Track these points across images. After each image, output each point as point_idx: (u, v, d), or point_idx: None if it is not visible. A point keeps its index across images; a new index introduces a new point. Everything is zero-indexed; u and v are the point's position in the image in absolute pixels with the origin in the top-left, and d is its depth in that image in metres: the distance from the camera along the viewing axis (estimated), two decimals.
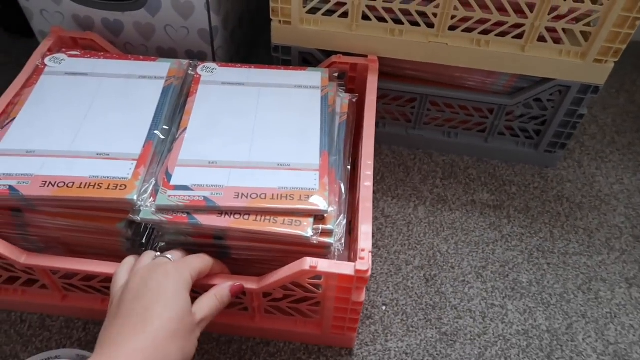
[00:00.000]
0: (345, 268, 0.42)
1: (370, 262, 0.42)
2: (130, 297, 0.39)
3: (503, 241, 0.63)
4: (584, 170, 0.73)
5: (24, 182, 0.45)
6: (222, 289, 0.44)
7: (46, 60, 0.58)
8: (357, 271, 0.42)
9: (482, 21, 0.58)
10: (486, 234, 0.64)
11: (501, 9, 0.57)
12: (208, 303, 0.42)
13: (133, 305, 0.38)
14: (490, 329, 0.55)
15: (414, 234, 0.64)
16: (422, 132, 0.73)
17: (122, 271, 0.43)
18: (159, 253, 0.45)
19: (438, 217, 0.66)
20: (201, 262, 0.44)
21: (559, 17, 0.56)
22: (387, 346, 0.53)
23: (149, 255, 0.44)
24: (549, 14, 0.56)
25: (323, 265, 0.42)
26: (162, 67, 0.58)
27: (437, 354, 0.53)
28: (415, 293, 0.58)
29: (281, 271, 0.44)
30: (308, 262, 0.42)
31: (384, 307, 0.56)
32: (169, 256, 0.44)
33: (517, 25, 0.58)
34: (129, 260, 0.45)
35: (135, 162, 0.48)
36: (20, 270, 0.49)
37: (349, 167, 0.53)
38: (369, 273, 0.42)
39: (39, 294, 0.52)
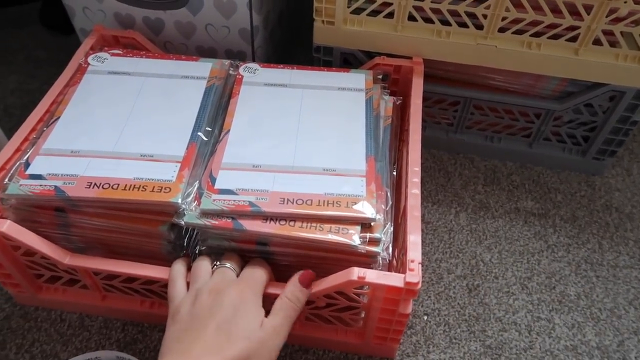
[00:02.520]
0: (394, 280, 0.41)
1: (421, 274, 0.41)
2: (204, 314, 0.39)
3: (549, 251, 0.61)
4: (634, 179, 0.69)
5: (69, 183, 0.45)
6: (291, 288, 0.42)
7: (89, 59, 0.58)
8: (407, 283, 0.40)
9: (534, 23, 0.56)
10: (531, 244, 0.62)
11: (555, 11, 0.54)
12: (281, 308, 0.41)
13: (207, 322, 0.38)
14: (537, 344, 0.53)
15: (456, 241, 0.62)
16: (463, 136, 0.70)
17: (178, 280, 0.43)
18: (217, 262, 0.44)
19: (480, 225, 0.64)
20: (265, 274, 0.44)
21: (617, 20, 0.54)
22: (429, 358, 0.52)
23: (206, 264, 0.44)
24: (606, 16, 0.53)
25: (371, 276, 0.41)
26: (204, 67, 0.57)
27: None
28: (458, 303, 0.56)
29: (327, 280, 0.43)
30: (356, 273, 0.41)
31: (425, 317, 0.55)
32: (228, 264, 0.43)
33: (572, 28, 0.55)
34: (180, 268, 0.45)
35: (179, 165, 0.47)
36: (62, 270, 0.49)
37: (394, 173, 0.52)
38: (419, 285, 0.40)
39: (79, 294, 0.52)
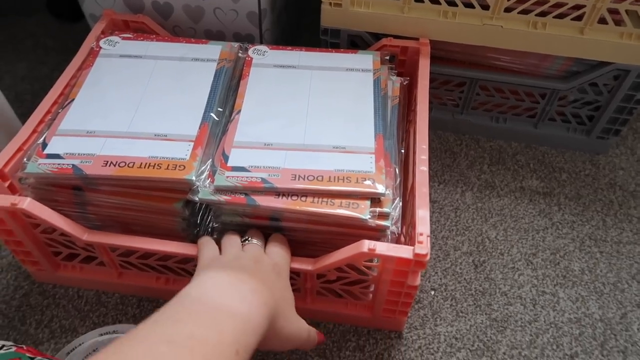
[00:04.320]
0: (404, 251, 0.42)
1: (429, 246, 0.42)
2: (249, 264, 0.41)
3: (553, 228, 0.62)
4: (638, 158, 0.70)
5: (86, 162, 0.46)
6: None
7: (101, 43, 0.59)
8: (416, 255, 0.42)
9: (539, 2, 0.56)
10: (536, 221, 0.63)
11: None
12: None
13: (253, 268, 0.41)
14: (542, 317, 0.54)
15: (462, 219, 0.63)
16: (469, 117, 0.71)
17: (210, 243, 0.45)
18: (248, 238, 0.45)
19: (486, 203, 0.65)
20: (288, 255, 0.46)
21: None
22: (436, 330, 0.53)
23: (236, 238, 0.45)
24: None
25: (381, 248, 0.42)
26: (214, 50, 0.58)
27: (487, 340, 0.53)
28: (464, 278, 0.57)
29: (338, 253, 0.44)
30: (366, 245, 0.42)
31: (432, 292, 0.56)
32: (255, 241, 0.45)
33: (577, 7, 0.56)
34: (208, 237, 0.46)
35: (192, 144, 0.48)
36: (80, 247, 0.50)
37: (402, 151, 0.53)
38: (428, 257, 0.42)
39: (96, 271, 0.54)
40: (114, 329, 0.51)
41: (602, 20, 0.56)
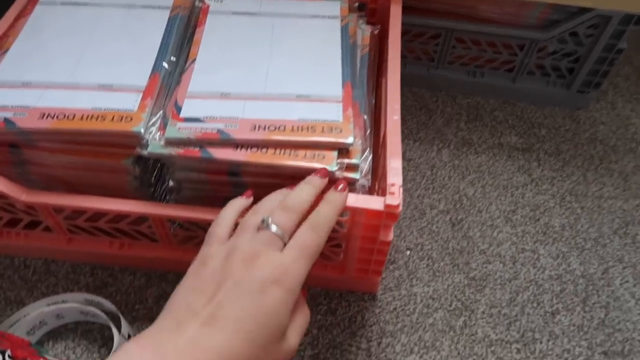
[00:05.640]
0: (374, 203, 0.39)
1: (402, 198, 0.39)
2: (224, 279, 0.32)
3: (533, 185, 0.60)
4: (618, 112, 0.68)
5: (20, 114, 0.42)
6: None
7: None
8: (386, 206, 0.38)
9: None
10: (515, 178, 0.60)
11: None
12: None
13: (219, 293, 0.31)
14: (522, 274, 0.52)
15: (438, 177, 0.60)
16: (445, 72, 0.68)
17: (226, 218, 0.37)
18: (267, 219, 0.34)
19: (463, 161, 0.62)
20: (319, 239, 0.34)
21: None
22: (412, 291, 0.51)
23: (254, 219, 0.35)
24: None
25: (350, 199, 0.39)
26: None
27: (465, 299, 0.50)
28: (441, 237, 0.55)
29: None
30: None
31: (408, 252, 0.53)
32: (275, 229, 0.34)
33: None
34: (235, 207, 0.39)
35: (141, 94, 0.44)
36: (21, 211, 0.46)
37: (373, 101, 0.49)
38: (400, 209, 0.38)
39: (43, 237, 0.49)
40: (62, 298, 0.47)
41: None
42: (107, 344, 0.46)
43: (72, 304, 0.45)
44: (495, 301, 0.50)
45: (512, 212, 0.57)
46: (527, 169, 0.61)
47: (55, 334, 0.47)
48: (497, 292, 0.51)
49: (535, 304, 0.50)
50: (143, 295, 0.49)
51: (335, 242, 0.45)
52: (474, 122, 0.66)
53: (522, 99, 0.69)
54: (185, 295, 0.32)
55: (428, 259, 0.53)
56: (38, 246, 0.50)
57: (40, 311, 0.44)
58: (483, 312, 0.49)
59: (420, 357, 0.46)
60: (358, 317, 0.49)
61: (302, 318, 0.35)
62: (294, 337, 0.33)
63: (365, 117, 0.45)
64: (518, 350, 0.47)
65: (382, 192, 0.43)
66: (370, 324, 0.48)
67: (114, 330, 0.44)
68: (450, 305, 0.50)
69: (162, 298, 0.49)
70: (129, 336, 0.45)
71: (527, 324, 0.49)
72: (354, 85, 0.47)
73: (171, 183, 0.45)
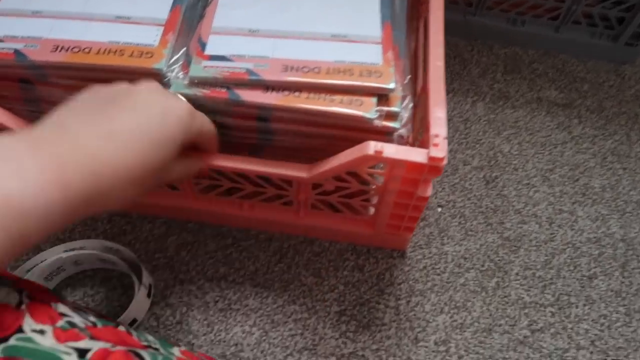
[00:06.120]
0: (417, 155, 0.36)
1: (447, 150, 0.36)
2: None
3: (573, 143, 0.56)
4: None
5: (31, 46, 0.38)
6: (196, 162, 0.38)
7: None
8: (430, 158, 0.35)
9: None
10: (554, 135, 0.57)
11: None
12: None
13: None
14: (558, 236, 0.50)
15: (472, 132, 0.56)
16: (483, 19, 0.63)
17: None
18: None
19: (499, 115, 0.58)
20: (211, 127, 0.36)
21: None
22: (443, 249, 0.48)
23: None
24: None
25: (389, 150, 0.36)
26: None
27: (498, 260, 0.48)
28: (474, 195, 0.52)
29: (338, 157, 0.37)
30: (372, 147, 0.35)
31: (439, 209, 0.51)
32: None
33: None
34: None
35: (162, 28, 0.40)
36: None
37: (412, 45, 0.45)
38: (445, 162, 0.35)
39: None
40: (80, 244, 0.45)
41: None
42: (126, 292, 0.44)
43: (90, 250, 0.43)
44: (529, 263, 0.48)
45: (549, 170, 0.54)
46: (567, 126, 0.57)
47: (73, 281, 0.45)
48: (532, 254, 0.48)
49: (571, 267, 0.48)
50: (163, 244, 0.47)
51: (365, 196, 0.42)
52: (512, 74, 0.62)
53: (564, 51, 0.64)
54: (82, 108, 0.30)
55: (460, 217, 0.50)
56: None
57: (58, 257, 0.42)
58: (517, 274, 0.47)
59: (451, 317, 0.45)
60: (386, 275, 0.47)
61: (193, 162, 0.37)
62: (179, 169, 0.35)
63: (406, 61, 0.42)
64: (552, 314, 0.45)
65: (421, 143, 0.40)
66: (399, 281, 0.46)
67: (135, 280, 0.43)
68: (483, 266, 0.48)
69: (183, 247, 0.47)
70: (150, 286, 0.44)
71: (562, 288, 0.47)
72: (394, 26, 0.42)
73: None
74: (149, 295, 0.43)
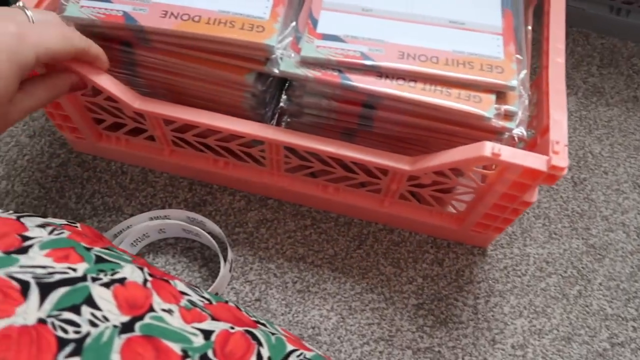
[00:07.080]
0: (536, 161, 0.34)
1: (567, 159, 0.34)
2: None
3: None
4: None
5: (140, 9, 0.37)
6: (61, 80, 0.35)
7: None
8: (552, 167, 0.33)
9: None
10: None
11: None
12: (38, 92, 0.33)
13: None
14: None
15: None
16: (583, 5, 0.59)
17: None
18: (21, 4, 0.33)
19: (591, 112, 0.55)
20: (62, 44, 0.32)
21: None
22: (525, 251, 0.47)
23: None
24: None
25: (507, 153, 0.34)
26: None
27: (582, 267, 0.47)
28: (561, 196, 0.50)
29: (449, 153, 0.36)
30: (489, 148, 0.34)
31: None
32: (29, 13, 0.32)
33: None
34: None
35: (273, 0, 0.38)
36: (128, 117, 0.42)
37: (529, 30, 0.42)
38: (565, 172, 0.33)
39: (144, 146, 0.46)
40: (165, 213, 0.44)
41: None
42: (207, 264, 0.45)
43: (175, 220, 0.43)
44: (614, 273, 0.46)
45: None
46: None
47: (155, 248, 0.45)
48: (617, 264, 0.47)
49: None
50: (243, 218, 0.47)
51: (459, 192, 0.41)
52: (608, 68, 0.58)
53: None
54: None
55: (545, 218, 0.49)
56: (138, 154, 0.47)
57: (146, 224, 0.42)
58: (600, 284, 0.46)
59: (530, 321, 0.44)
60: (466, 272, 0.46)
61: (59, 82, 0.35)
62: (25, 103, 0.32)
63: (524, 55, 0.39)
64: (634, 329, 0.44)
65: (531, 146, 0.38)
66: (479, 280, 0.45)
67: (220, 255, 0.42)
68: (565, 272, 0.46)
69: (263, 224, 0.46)
70: (231, 261, 0.44)
71: None
72: (514, 14, 0.40)
73: (291, 106, 0.40)
74: (230, 269, 0.43)
